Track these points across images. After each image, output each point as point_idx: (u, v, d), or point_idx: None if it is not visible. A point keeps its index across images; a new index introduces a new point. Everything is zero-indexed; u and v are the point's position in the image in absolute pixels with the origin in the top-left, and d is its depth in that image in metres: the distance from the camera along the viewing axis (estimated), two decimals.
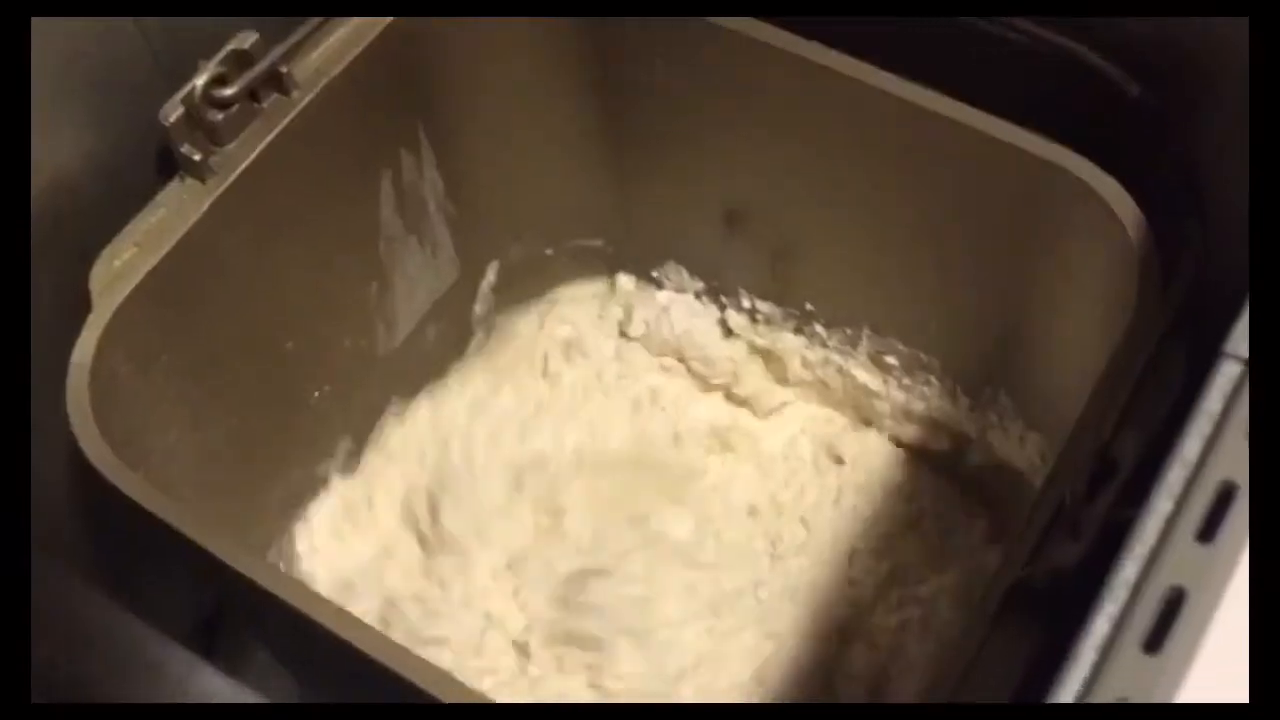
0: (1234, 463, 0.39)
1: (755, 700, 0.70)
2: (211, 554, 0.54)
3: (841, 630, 0.72)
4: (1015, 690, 0.46)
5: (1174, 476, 0.39)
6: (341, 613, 0.52)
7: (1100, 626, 0.37)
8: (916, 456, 0.79)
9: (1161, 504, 0.38)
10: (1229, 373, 0.40)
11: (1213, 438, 0.39)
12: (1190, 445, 0.39)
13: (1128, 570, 0.37)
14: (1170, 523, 0.38)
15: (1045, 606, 0.48)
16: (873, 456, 0.79)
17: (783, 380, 0.81)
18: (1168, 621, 0.36)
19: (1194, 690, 0.35)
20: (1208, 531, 0.38)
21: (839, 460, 0.79)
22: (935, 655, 0.67)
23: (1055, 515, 0.51)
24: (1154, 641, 0.36)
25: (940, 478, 0.77)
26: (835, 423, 0.81)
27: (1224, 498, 0.38)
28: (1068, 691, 0.36)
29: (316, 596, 0.54)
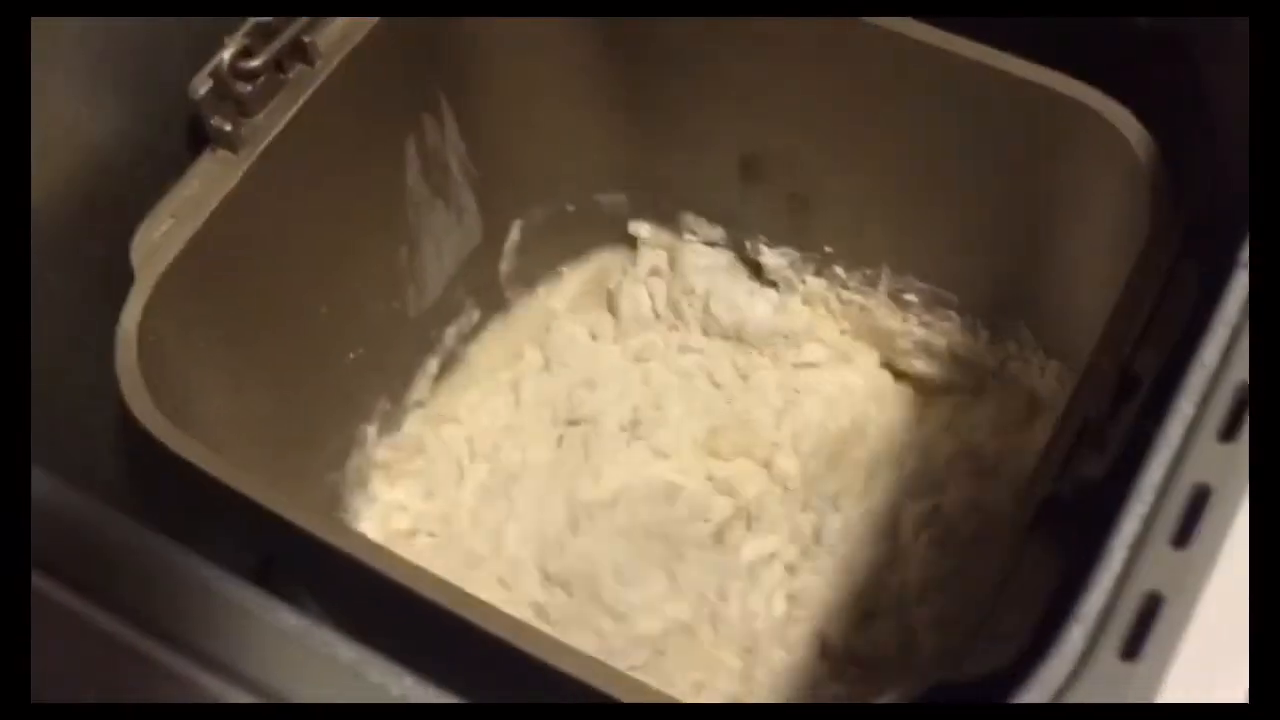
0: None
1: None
2: (275, 513, 0.55)
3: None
4: (1049, 597, 0.48)
5: (1195, 380, 0.41)
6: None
7: (1130, 526, 0.39)
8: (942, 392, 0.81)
9: (1184, 407, 0.40)
10: (1243, 281, 0.42)
11: (1230, 342, 0.41)
12: (1210, 351, 0.41)
13: (1154, 471, 0.39)
14: (1193, 425, 0.40)
15: (1074, 517, 0.50)
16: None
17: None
18: (1194, 518, 0.38)
19: (1220, 581, 0.37)
20: (1229, 431, 0.39)
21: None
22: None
23: (1081, 431, 0.52)
24: (1182, 537, 0.38)
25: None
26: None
27: (1243, 400, 0.40)
28: (1100, 588, 0.38)
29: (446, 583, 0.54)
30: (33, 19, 0.57)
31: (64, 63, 0.61)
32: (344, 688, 0.38)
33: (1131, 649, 0.37)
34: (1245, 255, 0.42)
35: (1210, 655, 0.36)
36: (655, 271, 0.85)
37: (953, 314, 0.78)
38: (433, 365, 0.81)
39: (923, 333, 0.79)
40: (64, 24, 0.60)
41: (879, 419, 0.80)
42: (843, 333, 0.82)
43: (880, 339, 0.81)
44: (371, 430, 0.79)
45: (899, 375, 0.81)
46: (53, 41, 0.60)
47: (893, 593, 0.71)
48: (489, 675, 0.54)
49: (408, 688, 0.38)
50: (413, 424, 0.81)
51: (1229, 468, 0.39)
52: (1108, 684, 0.36)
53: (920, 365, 0.80)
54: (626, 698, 0.49)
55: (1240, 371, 0.40)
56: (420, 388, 0.81)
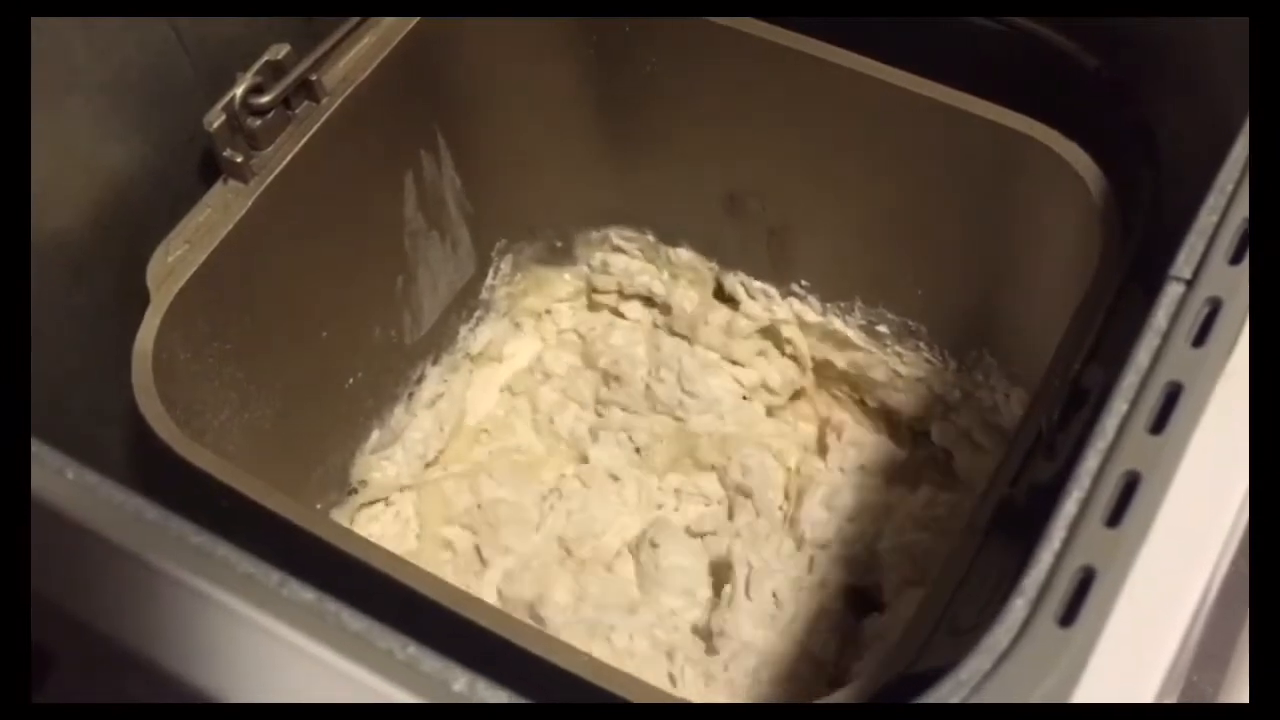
0: (1178, 367, 0.44)
1: None
2: (286, 518, 0.59)
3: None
4: (1003, 595, 0.52)
5: (1128, 381, 0.45)
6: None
7: (1068, 508, 0.43)
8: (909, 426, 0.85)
9: (1119, 404, 0.44)
10: (1173, 292, 0.46)
11: (1160, 347, 0.45)
12: (1142, 354, 0.45)
13: (1090, 460, 0.43)
14: (1126, 419, 0.44)
15: (1026, 521, 0.54)
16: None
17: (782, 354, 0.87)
18: (1125, 501, 0.42)
19: (1148, 557, 0.41)
20: (1158, 425, 0.43)
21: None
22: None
23: (1035, 441, 0.56)
24: (1114, 517, 0.42)
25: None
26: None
27: (1172, 396, 0.44)
28: (1041, 564, 0.42)
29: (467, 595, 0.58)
30: (49, 45, 0.61)
31: (84, 95, 0.65)
32: (353, 653, 0.42)
33: (1068, 617, 0.40)
34: (1175, 270, 0.47)
35: (1138, 623, 0.40)
36: (641, 305, 0.89)
37: (922, 345, 0.82)
38: (425, 394, 0.85)
39: (894, 363, 0.83)
40: (82, 58, 0.64)
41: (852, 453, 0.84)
42: (819, 363, 0.86)
43: (853, 370, 0.85)
44: (367, 451, 0.82)
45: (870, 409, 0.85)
46: (71, 73, 0.64)
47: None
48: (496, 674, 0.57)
49: (412, 655, 0.42)
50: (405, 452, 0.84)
51: (1158, 457, 0.43)
52: (1046, 648, 0.40)
53: (893, 396, 0.84)
54: (636, 698, 0.52)
55: (1169, 372, 0.44)
56: (413, 416, 0.85)
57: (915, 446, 0.84)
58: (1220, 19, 0.60)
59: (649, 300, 0.90)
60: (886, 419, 0.85)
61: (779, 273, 0.85)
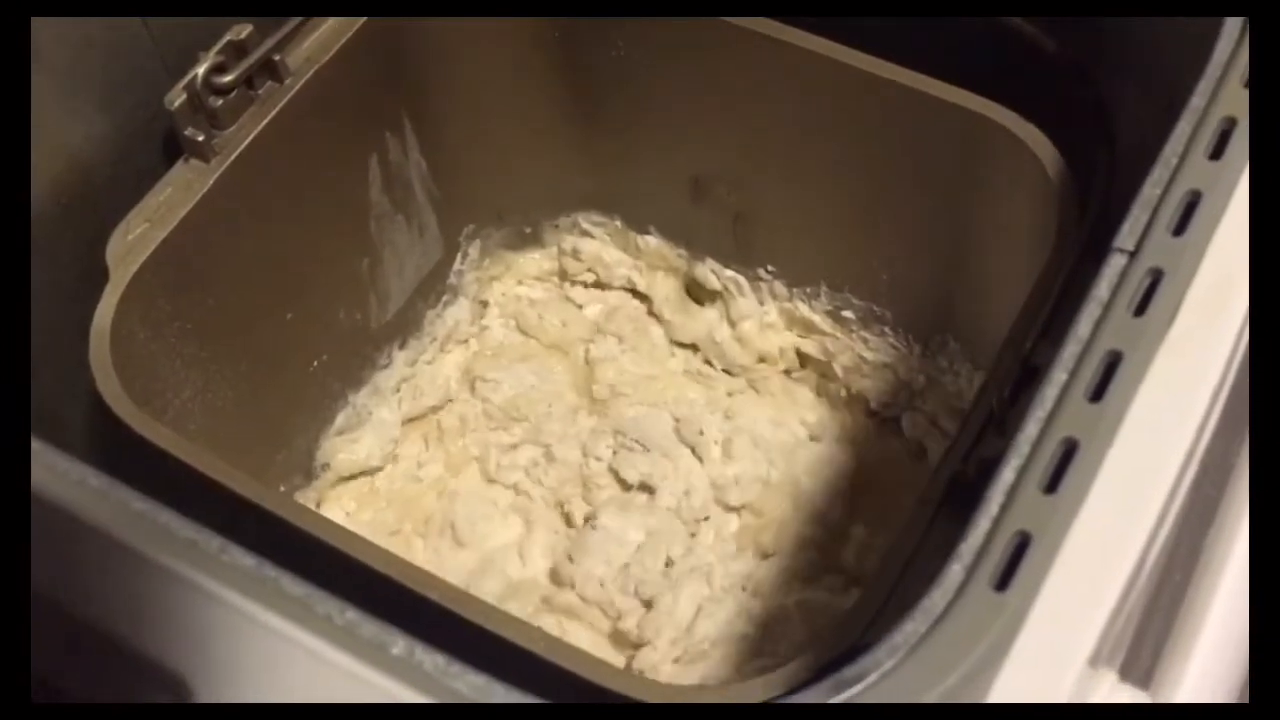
0: (1119, 336, 0.45)
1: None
2: (239, 494, 0.59)
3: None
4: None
5: (1069, 351, 0.45)
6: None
7: (1006, 475, 0.43)
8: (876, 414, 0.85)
9: (1059, 374, 0.45)
10: (1116, 263, 0.47)
11: (1102, 317, 0.45)
12: (1083, 324, 0.45)
13: (1030, 428, 0.43)
14: (1066, 388, 0.44)
15: (977, 495, 0.54)
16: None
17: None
18: (1063, 467, 0.42)
19: (1086, 522, 0.41)
20: (1098, 393, 0.44)
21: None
22: None
23: (987, 418, 0.57)
24: (1052, 484, 0.42)
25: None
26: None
27: (1112, 365, 0.44)
28: (978, 529, 0.42)
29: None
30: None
31: (46, 73, 0.65)
32: (293, 618, 0.42)
33: (1002, 582, 0.41)
34: (1119, 241, 0.47)
35: (1072, 588, 0.40)
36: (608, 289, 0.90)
37: (887, 330, 0.82)
38: (391, 379, 0.85)
39: (860, 348, 0.83)
40: (44, 36, 0.64)
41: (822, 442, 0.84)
42: (783, 351, 0.86)
43: (819, 355, 0.85)
44: (332, 435, 0.82)
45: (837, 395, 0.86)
46: (35, 51, 0.64)
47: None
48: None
49: (350, 620, 0.42)
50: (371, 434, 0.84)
51: (1096, 425, 0.43)
52: (980, 612, 0.40)
53: (858, 382, 0.84)
54: (582, 671, 0.52)
55: (1108, 342, 0.45)
56: (376, 401, 0.85)
57: (883, 434, 0.85)
58: None
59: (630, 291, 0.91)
60: (851, 406, 0.85)
61: (745, 258, 0.85)
